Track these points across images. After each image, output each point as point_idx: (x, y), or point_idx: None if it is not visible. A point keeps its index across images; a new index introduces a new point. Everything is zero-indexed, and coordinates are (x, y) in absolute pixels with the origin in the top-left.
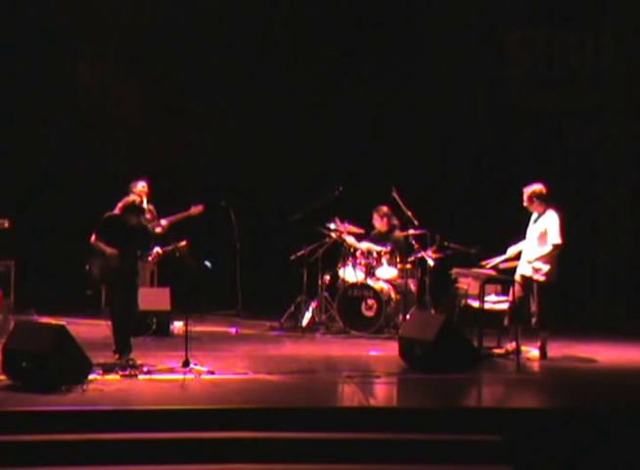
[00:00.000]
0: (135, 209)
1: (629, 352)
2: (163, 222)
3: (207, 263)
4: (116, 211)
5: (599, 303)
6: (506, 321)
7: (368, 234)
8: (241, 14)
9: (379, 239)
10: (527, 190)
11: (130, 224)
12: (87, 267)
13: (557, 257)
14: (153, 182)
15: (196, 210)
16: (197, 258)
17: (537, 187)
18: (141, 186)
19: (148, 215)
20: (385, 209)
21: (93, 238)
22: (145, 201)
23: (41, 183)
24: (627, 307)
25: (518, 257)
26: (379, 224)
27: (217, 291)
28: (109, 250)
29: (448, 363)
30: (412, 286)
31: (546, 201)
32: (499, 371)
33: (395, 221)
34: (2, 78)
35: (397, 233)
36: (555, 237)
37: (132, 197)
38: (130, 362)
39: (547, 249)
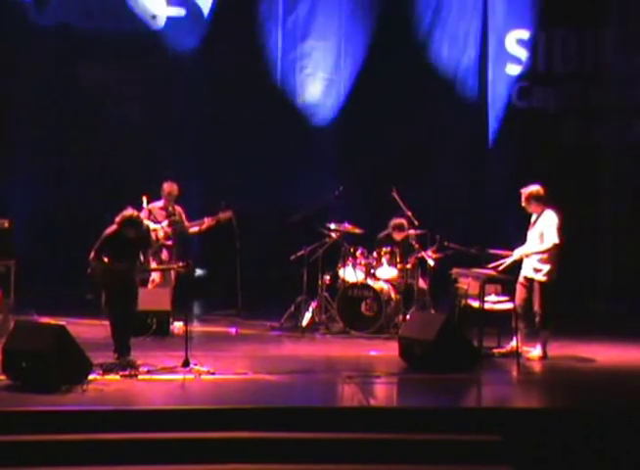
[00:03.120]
0: (132, 223)
1: (629, 352)
2: (195, 230)
3: (200, 271)
4: (115, 225)
5: (599, 302)
6: (514, 323)
7: (375, 236)
8: (240, 13)
9: (386, 241)
10: (525, 191)
11: (129, 237)
12: (88, 271)
13: (557, 256)
14: (155, 182)
15: (224, 215)
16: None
17: (534, 188)
18: (167, 193)
19: (177, 217)
20: (403, 222)
21: (92, 256)
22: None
23: (41, 183)
24: (627, 307)
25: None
26: (399, 237)
27: (217, 291)
28: (106, 260)
29: (448, 363)
30: (420, 283)
31: (543, 202)
32: (499, 371)
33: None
34: (2, 78)
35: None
36: (552, 237)
37: (129, 211)
38: (130, 362)
39: (544, 246)
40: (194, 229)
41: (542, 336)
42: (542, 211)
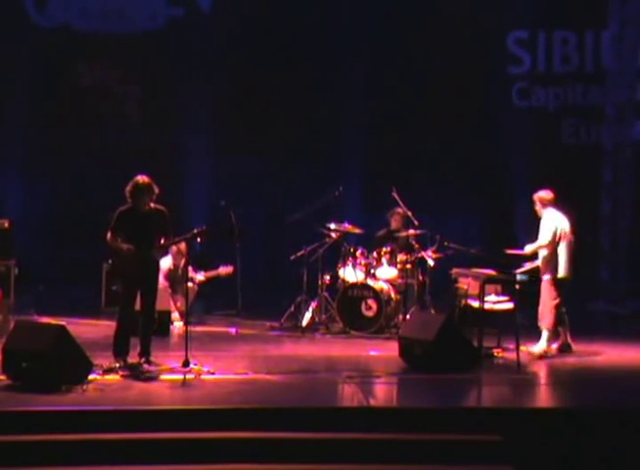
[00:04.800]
0: (143, 189)
1: (630, 352)
2: (200, 278)
3: (200, 276)
4: (127, 198)
5: (599, 303)
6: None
7: (376, 235)
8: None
9: (385, 239)
10: (534, 195)
11: (143, 212)
12: (110, 262)
13: (557, 255)
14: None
15: (225, 270)
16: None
17: (540, 193)
18: (175, 252)
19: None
20: (400, 211)
21: (109, 236)
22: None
23: (42, 183)
24: (628, 307)
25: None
26: (395, 225)
27: (217, 291)
28: (125, 246)
29: (448, 363)
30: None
31: (547, 203)
32: (499, 371)
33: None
34: (2, 78)
35: (402, 233)
36: (542, 237)
37: (138, 177)
38: (130, 363)
39: (534, 246)
40: (200, 278)
41: (544, 332)
42: (544, 213)
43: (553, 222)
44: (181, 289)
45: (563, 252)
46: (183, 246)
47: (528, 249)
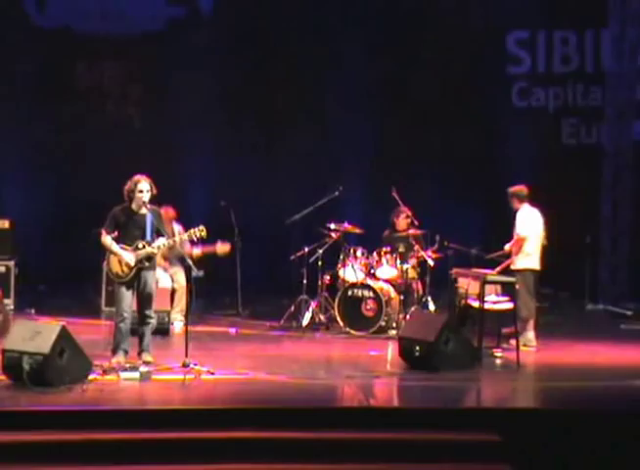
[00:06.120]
0: (141, 188)
1: (629, 352)
2: (197, 252)
3: (197, 250)
4: (124, 197)
5: (599, 303)
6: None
7: (383, 235)
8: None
9: (391, 240)
10: (508, 190)
11: (138, 212)
12: (104, 264)
13: (532, 248)
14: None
15: (222, 248)
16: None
17: (516, 187)
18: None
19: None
20: (407, 210)
21: (102, 235)
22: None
23: (42, 183)
24: (628, 307)
25: None
26: (403, 225)
27: (217, 291)
28: (123, 255)
29: (448, 363)
30: (415, 285)
31: (522, 199)
32: (499, 371)
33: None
34: (2, 79)
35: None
36: (520, 230)
37: (137, 176)
38: (127, 363)
39: (513, 242)
40: (196, 251)
41: (518, 325)
42: (520, 208)
43: (527, 217)
44: (176, 262)
45: (532, 246)
46: (171, 212)
47: (508, 247)
